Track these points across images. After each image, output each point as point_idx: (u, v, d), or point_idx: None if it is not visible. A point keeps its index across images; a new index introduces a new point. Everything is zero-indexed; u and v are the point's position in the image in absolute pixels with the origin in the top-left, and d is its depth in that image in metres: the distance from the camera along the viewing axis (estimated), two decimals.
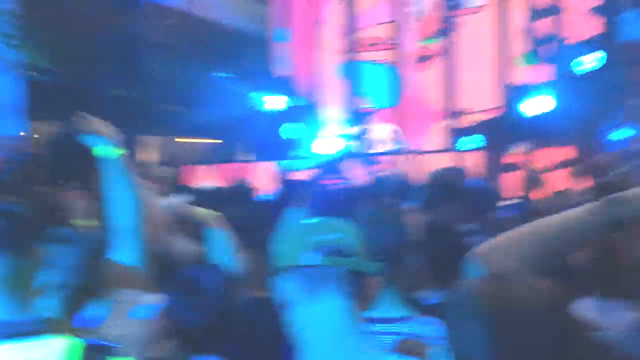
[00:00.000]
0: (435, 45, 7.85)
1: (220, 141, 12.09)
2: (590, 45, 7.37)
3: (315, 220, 1.50)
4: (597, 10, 7.67)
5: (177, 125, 11.18)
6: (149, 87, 9.72)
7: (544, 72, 7.44)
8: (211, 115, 10.97)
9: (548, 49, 7.47)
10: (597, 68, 7.05)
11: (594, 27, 7.69)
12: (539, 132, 6.09)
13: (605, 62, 7.04)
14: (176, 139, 13.22)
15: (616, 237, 1.63)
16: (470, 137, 6.76)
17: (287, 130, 8.98)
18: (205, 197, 4.89)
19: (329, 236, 1.35)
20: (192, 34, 10.35)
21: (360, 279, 1.33)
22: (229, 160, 8.53)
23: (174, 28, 10.10)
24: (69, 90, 9.35)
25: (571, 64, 7.07)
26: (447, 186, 4.15)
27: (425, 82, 7.90)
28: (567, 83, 6.88)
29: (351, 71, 8.46)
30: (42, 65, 9.25)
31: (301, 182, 5.77)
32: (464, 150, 6.55)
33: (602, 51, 7.19)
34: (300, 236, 1.40)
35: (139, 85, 8.84)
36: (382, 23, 8.20)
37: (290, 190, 5.60)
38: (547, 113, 6.64)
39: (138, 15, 7.52)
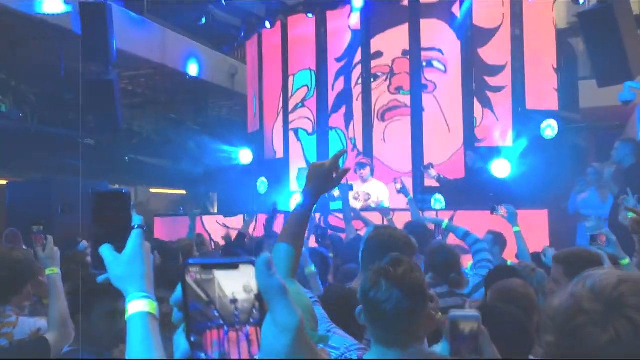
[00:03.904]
0: (404, 100, 8.08)
1: (186, 192, 12.06)
2: (551, 112, 7.69)
3: None
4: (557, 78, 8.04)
5: (150, 176, 11.15)
6: (122, 137, 9.74)
7: (508, 136, 7.70)
8: (185, 167, 10.99)
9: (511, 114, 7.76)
10: (558, 134, 7.34)
11: (553, 94, 8.04)
12: (502, 194, 6.23)
13: (565, 128, 7.33)
14: (149, 189, 13.17)
15: None
16: (435, 196, 6.87)
17: (260, 185, 9.01)
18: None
19: None
20: (166, 85, 10.47)
21: None
22: (201, 213, 8.48)
23: (148, 79, 10.23)
24: (40, 138, 9.32)
25: (534, 129, 7.36)
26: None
27: (395, 138, 8.09)
28: (530, 148, 7.13)
29: (325, 127, 8.62)
30: (13, 112, 9.24)
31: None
32: (432, 210, 6.64)
33: (562, 118, 7.51)
34: None
35: (112, 134, 8.85)
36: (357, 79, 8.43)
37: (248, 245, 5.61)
38: (509, 176, 6.83)
39: (111, 64, 7.59)
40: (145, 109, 10.71)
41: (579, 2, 7.97)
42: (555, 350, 0.96)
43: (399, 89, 8.12)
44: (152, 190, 12.41)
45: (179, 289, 0.79)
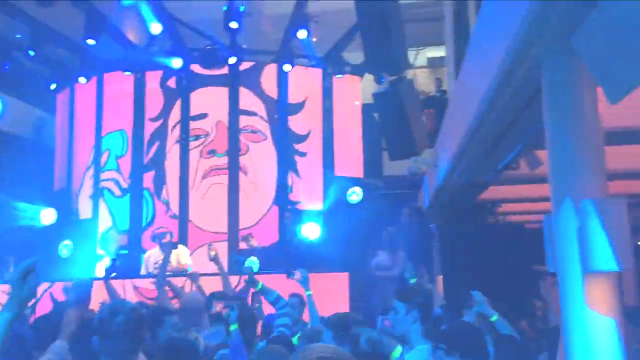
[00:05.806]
0: (222, 162, 8.19)
1: None
2: (357, 179, 8.38)
3: None
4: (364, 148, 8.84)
5: None
6: None
7: (317, 201, 8.18)
8: None
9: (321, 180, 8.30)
10: (362, 199, 8.00)
11: (359, 163, 8.80)
12: (311, 257, 6.54)
13: (367, 194, 8.05)
14: None
15: None
16: (248, 259, 6.95)
17: (62, 248, 8.29)
18: None
19: None
20: None
21: None
22: None
23: None
24: None
25: (341, 194, 7.93)
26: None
27: (209, 202, 8.09)
28: (337, 211, 7.64)
29: (135, 188, 8.32)
30: None
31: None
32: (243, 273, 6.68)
33: (366, 185, 8.24)
34: None
35: None
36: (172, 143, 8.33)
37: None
38: (318, 239, 7.22)
39: None
40: None
41: (381, 82, 8.95)
42: None
43: (212, 152, 8.22)
44: None
45: None
